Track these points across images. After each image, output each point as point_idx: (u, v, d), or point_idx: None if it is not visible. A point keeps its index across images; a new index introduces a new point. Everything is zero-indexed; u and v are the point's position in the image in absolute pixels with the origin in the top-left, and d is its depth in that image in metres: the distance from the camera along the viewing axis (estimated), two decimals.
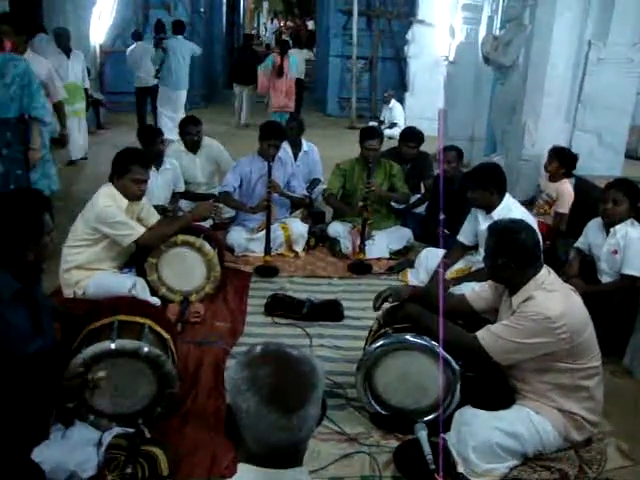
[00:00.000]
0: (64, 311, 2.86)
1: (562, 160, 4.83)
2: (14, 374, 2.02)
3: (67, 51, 7.69)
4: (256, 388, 1.17)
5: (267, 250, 4.54)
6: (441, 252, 4.14)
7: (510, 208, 3.69)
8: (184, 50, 9.13)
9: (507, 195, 3.80)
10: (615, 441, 2.66)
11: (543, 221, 4.79)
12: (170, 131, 7.60)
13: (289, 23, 30.22)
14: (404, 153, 5.41)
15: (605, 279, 3.60)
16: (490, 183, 3.73)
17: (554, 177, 4.89)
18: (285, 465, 1.20)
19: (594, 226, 3.77)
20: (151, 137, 4.75)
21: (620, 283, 3.48)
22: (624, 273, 3.45)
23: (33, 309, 2.38)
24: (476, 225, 3.90)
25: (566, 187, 4.84)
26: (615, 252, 3.52)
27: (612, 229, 3.57)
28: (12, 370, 2.02)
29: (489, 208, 3.74)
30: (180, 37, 9.27)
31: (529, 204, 5.12)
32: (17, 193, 2.42)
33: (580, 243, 3.87)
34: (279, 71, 10.04)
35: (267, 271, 4.43)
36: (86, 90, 8.19)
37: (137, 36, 10.31)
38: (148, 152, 4.40)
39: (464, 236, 4.05)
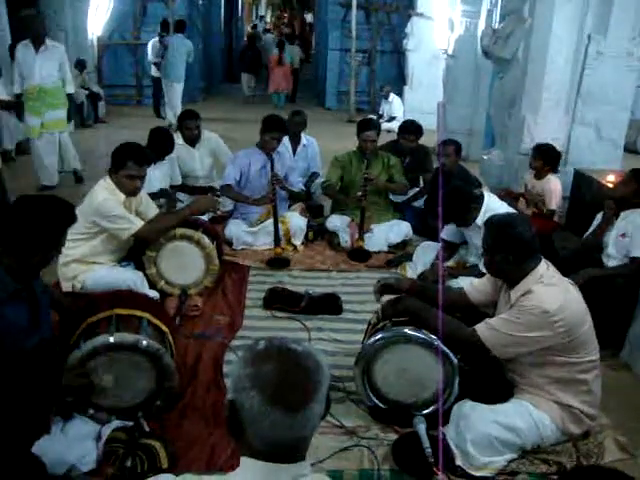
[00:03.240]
0: (63, 301, 2.86)
1: (546, 158, 4.84)
2: (14, 369, 2.02)
3: (38, 43, 5.86)
4: (260, 386, 1.15)
5: (277, 242, 4.58)
6: (438, 246, 4.14)
7: (493, 209, 3.62)
8: (183, 47, 10.20)
9: (486, 195, 3.76)
10: (613, 434, 2.67)
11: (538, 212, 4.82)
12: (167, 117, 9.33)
13: (285, 28, 30.00)
14: (403, 146, 5.41)
15: (612, 263, 3.61)
16: (470, 202, 3.71)
17: (539, 174, 4.90)
18: (289, 460, 1.19)
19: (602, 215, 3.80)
20: (162, 143, 4.73)
21: (629, 267, 3.48)
22: (633, 256, 3.45)
23: (32, 304, 2.37)
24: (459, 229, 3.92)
25: (552, 184, 4.84)
26: (623, 235, 3.54)
27: (622, 213, 3.59)
28: (12, 365, 2.02)
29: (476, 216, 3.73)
30: (180, 35, 10.40)
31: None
32: (54, 201, 2.38)
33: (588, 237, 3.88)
34: (278, 61, 13.45)
35: (279, 262, 4.47)
36: (69, 96, 6.23)
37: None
38: (152, 150, 4.39)
39: (448, 234, 4.04)
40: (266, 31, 23.06)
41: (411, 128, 5.45)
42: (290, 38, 15.35)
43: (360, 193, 4.69)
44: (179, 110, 9.49)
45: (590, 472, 1.28)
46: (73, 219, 2.44)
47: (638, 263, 3.43)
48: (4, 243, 2.25)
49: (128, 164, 3.48)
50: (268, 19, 32.03)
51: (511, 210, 3.56)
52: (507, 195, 5.07)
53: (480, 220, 3.55)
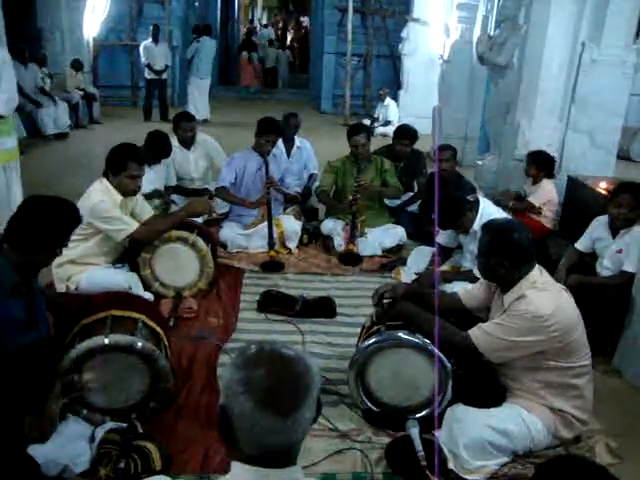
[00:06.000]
0: (58, 302, 2.87)
1: (539, 164, 4.93)
2: (9, 367, 2.03)
3: None
4: (251, 391, 1.15)
5: (271, 245, 4.58)
6: (433, 250, 4.16)
7: (489, 214, 3.60)
8: (210, 48, 11.35)
9: (481, 201, 3.78)
10: (604, 439, 2.69)
11: (537, 220, 4.86)
12: (197, 112, 9.78)
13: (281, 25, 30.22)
14: (398, 151, 5.43)
15: (605, 274, 3.66)
16: (463, 207, 3.71)
17: (536, 180, 4.99)
18: (280, 465, 1.19)
19: (600, 224, 3.81)
20: (160, 146, 4.76)
21: (617, 279, 3.54)
22: (623, 270, 3.51)
23: (30, 302, 2.40)
24: (455, 233, 3.93)
25: (544, 185, 4.93)
26: (620, 251, 3.59)
27: (622, 231, 3.62)
28: (7, 362, 2.03)
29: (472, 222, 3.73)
30: (207, 37, 11.30)
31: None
32: (60, 202, 2.49)
33: (581, 245, 3.89)
34: (248, 60, 16.35)
35: (273, 266, 4.48)
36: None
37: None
38: (149, 153, 4.40)
39: (443, 239, 4.05)
40: (263, 27, 25.76)
41: (406, 133, 5.47)
42: (270, 42, 19.37)
43: (351, 197, 4.70)
44: (207, 105, 11.30)
45: (564, 463, 1.31)
46: (79, 220, 2.53)
47: (627, 277, 3.47)
48: (12, 240, 2.31)
49: (129, 165, 3.50)
50: (264, 21, 32.22)
51: (507, 215, 3.58)
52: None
53: (477, 225, 3.56)
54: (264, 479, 1.18)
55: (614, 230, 3.68)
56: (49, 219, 2.37)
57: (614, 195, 3.68)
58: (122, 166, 3.50)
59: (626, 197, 3.57)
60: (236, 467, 1.21)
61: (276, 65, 18.82)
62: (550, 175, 4.99)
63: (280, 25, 28.80)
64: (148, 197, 4.33)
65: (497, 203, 4.27)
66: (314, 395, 1.20)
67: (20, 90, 8.47)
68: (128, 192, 3.58)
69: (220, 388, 1.24)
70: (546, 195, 4.90)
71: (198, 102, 11.10)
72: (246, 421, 1.15)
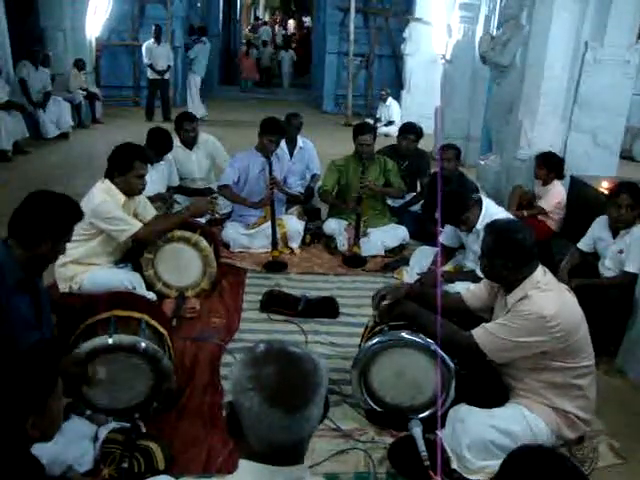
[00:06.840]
0: (61, 303, 2.87)
1: (548, 165, 4.93)
2: (13, 366, 2.03)
3: None
4: (260, 388, 1.16)
5: (274, 245, 4.58)
6: (435, 250, 4.15)
7: (492, 214, 3.60)
8: (205, 48, 11.88)
9: (484, 200, 3.77)
10: (607, 439, 2.69)
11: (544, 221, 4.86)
12: (196, 110, 10.47)
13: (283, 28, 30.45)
14: (403, 147, 5.44)
15: (608, 274, 3.67)
16: (466, 202, 3.69)
17: (545, 182, 5.01)
18: (287, 462, 1.20)
19: (600, 224, 3.81)
20: (162, 142, 4.78)
21: (619, 279, 3.55)
22: (625, 270, 3.51)
23: (35, 300, 2.40)
24: (458, 232, 3.93)
25: (554, 187, 4.93)
26: (621, 251, 3.60)
27: (622, 231, 3.63)
28: (11, 361, 2.03)
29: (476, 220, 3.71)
30: (204, 38, 11.91)
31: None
32: (62, 196, 2.53)
33: (584, 244, 3.89)
34: (246, 54, 18.14)
35: (276, 266, 4.48)
36: None
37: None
38: (151, 149, 4.41)
39: (445, 239, 4.05)
40: (264, 24, 27.45)
41: (412, 128, 5.51)
42: (265, 43, 20.87)
43: (355, 196, 4.70)
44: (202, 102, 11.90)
45: (530, 454, 1.33)
46: (80, 214, 2.54)
47: (630, 277, 3.48)
48: (15, 234, 2.33)
49: (135, 165, 3.52)
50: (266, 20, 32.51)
51: (510, 215, 3.58)
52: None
53: (480, 224, 3.56)
54: (271, 476, 1.19)
55: (614, 230, 3.68)
56: (51, 210, 2.39)
57: (613, 196, 3.67)
58: (128, 166, 3.51)
59: (625, 197, 3.58)
60: (243, 464, 1.22)
61: (270, 65, 20.10)
62: (560, 176, 4.99)
63: (278, 22, 29.16)
64: (150, 200, 4.32)
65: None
66: (322, 393, 1.21)
67: (26, 92, 8.50)
68: (135, 191, 3.59)
69: (226, 386, 1.25)
70: (557, 197, 4.90)
71: (195, 100, 11.71)
72: (255, 418, 1.16)
